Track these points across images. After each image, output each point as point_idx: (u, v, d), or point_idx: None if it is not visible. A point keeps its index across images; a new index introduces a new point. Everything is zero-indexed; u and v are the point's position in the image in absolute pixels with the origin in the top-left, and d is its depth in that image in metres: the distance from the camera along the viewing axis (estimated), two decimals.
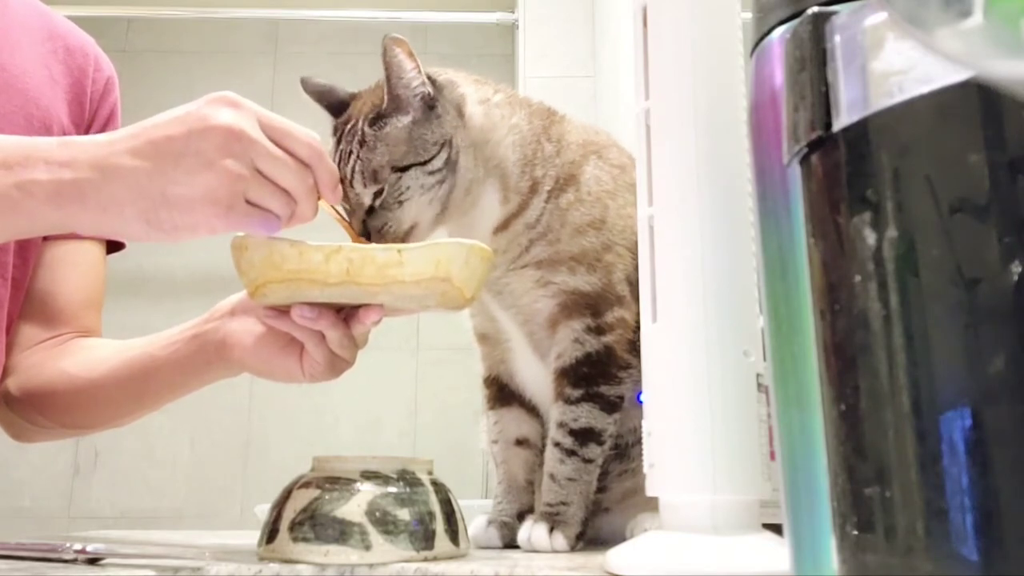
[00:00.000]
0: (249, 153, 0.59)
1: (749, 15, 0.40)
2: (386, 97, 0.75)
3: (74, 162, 0.60)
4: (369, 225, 0.74)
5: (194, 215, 0.59)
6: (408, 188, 0.74)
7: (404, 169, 0.74)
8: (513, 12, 2.18)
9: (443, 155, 0.75)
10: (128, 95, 0.99)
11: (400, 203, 0.74)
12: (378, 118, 0.75)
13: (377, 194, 0.74)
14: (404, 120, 0.75)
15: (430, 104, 0.76)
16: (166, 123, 0.60)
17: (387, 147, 0.74)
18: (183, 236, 0.61)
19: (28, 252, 0.88)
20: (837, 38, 0.31)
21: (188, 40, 2.47)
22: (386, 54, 0.74)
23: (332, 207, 0.69)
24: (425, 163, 0.74)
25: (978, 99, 0.27)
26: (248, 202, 0.60)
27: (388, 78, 0.74)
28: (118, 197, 0.59)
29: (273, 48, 2.50)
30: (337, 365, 0.71)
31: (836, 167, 0.31)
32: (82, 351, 0.88)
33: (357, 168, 0.74)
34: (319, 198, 0.65)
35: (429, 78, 0.77)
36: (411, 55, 0.74)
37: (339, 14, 2.33)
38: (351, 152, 0.75)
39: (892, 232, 0.28)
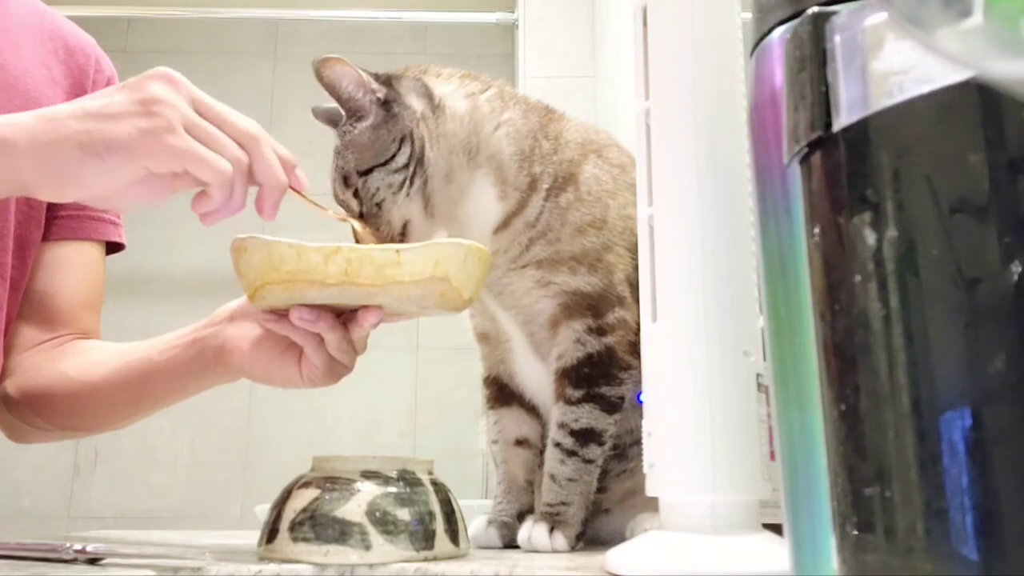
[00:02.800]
0: (184, 92, 0.62)
1: (749, 15, 0.40)
2: (341, 110, 0.78)
3: (15, 118, 0.62)
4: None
5: (127, 126, 0.59)
6: (378, 189, 0.76)
7: (368, 172, 0.76)
8: (513, 12, 2.17)
9: (405, 151, 0.76)
10: None
11: (378, 205, 0.76)
12: (342, 127, 0.78)
13: (358, 199, 0.76)
14: (363, 125, 0.77)
15: (386, 106, 0.78)
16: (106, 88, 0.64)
17: (352, 153, 0.77)
18: (119, 163, 0.60)
19: (26, 252, 0.88)
20: (837, 38, 0.31)
21: (188, 40, 2.47)
22: (320, 77, 0.76)
23: (302, 194, 0.68)
24: (386, 163, 0.76)
25: (978, 99, 0.27)
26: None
27: (331, 96, 0.77)
28: (51, 128, 0.60)
29: (273, 48, 2.50)
30: (336, 370, 0.71)
31: (836, 167, 0.31)
32: (81, 353, 0.88)
33: (335, 176, 0.78)
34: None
35: (386, 79, 0.79)
36: (346, 68, 0.76)
37: (339, 14, 2.32)
38: (333, 162, 0.78)
39: (892, 232, 0.28)
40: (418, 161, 0.76)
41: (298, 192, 0.67)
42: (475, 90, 0.83)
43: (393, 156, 0.76)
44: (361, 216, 0.76)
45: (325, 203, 0.74)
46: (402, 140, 0.76)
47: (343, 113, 0.78)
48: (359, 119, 0.77)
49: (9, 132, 0.60)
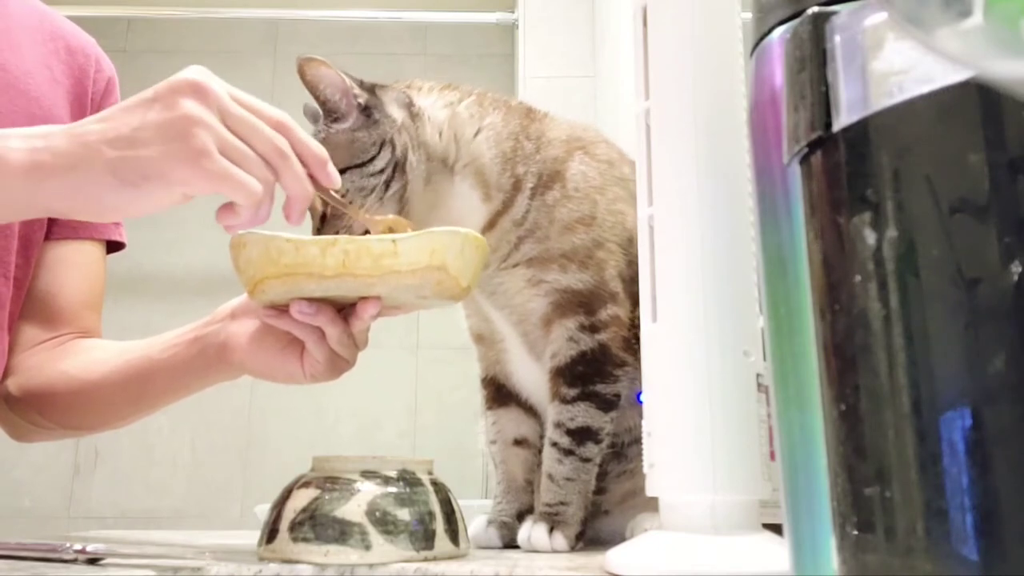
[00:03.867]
0: (213, 104, 0.60)
1: (749, 15, 0.40)
2: (320, 110, 0.78)
3: (49, 135, 0.61)
4: (323, 232, 0.75)
5: (162, 158, 0.58)
6: (347, 191, 0.75)
7: (341, 172, 0.75)
8: (513, 12, 2.17)
9: (384, 156, 0.77)
10: (128, 95, 0.99)
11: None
12: (319, 126, 0.79)
13: (324, 200, 0.76)
14: (340, 127, 0.78)
15: (366, 112, 0.78)
16: (135, 100, 0.61)
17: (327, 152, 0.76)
18: (154, 190, 0.59)
19: (30, 251, 0.88)
20: (837, 38, 0.31)
21: (188, 40, 2.47)
22: (302, 76, 0.77)
23: (331, 193, 0.68)
24: (363, 165, 0.76)
25: (978, 99, 0.27)
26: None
27: (312, 95, 0.78)
28: (86, 149, 0.59)
29: (273, 48, 2.50)
30: (338, 365, 0.71)
31: (836, 167, 0.31)
32: (82, 352, 0.88)
33: None
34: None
35: (370, 87, 0.80)
36: (327, 70, 0.77)
37: (339, 14, 2.32)
38: None
39: (892, 232, 0.28)
40: (397, 167, 0.77)
41: (326, 190, 0.66)
42: (453, 99, 0.84)
43: (372, 159, 0.76)
44: (324, 218, 0.76)
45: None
46: (382, 145, 0.77)
47: (321, 113, 0.79)
48: (336, 120, 0.78)
49: (45, 158, 0.59)
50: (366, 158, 0.76)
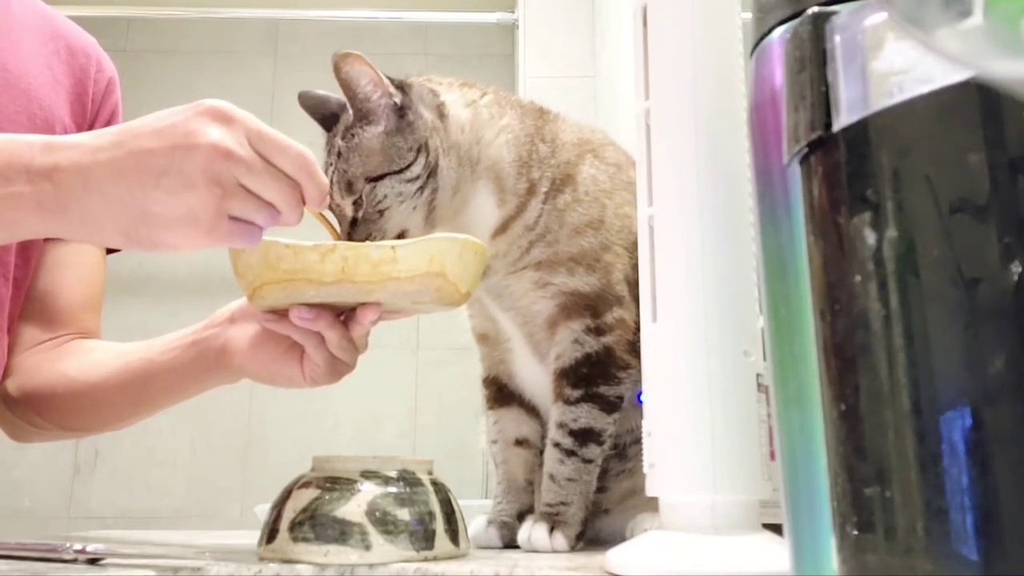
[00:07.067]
0: (234, 171, 0.56)
1: (749, 15, 0.40)
2: (351, 111, 0.75)
3: (55, 172, 0.57)
4: (353, 238, 0.74)
5: (174, 234, 0.57)
6: (385, 197, 0.74)
7: (378, 179, 0.74)
8: (513, 12, 2.18)
9: (421, 160, 0.75)
10: (128, 95, 0.99)
11: (380, 213, 0.74)
12: (348, 130, 0.75)
13: (356, 205, 0.74)
14: (375, 130, 0.75)
15: (400, 113, 0.76)
16: (150, 133, 0.57)
17: (360, 158, 0.74)
18: (164, 251, 0.60)
19: (30, 253, 0.88)
20: (837, 38, 0.31)
21: (188, 40, 2.47)
22: (338, 72, 0.74)
23: (322, 217, 0.68)
24: (401, 171, 0.74)
25: (978, 99, 0.27)
26: (231, 217, 0.58)
27: (346, 94, 0.75)
28: (98, 212, 0.57)
29: (273, 48, 2.50)
30: (338, 368, 0.71)
31: (836, 167, 0.31)
32: (81, 353, 0.88)
33: (334, 179, 0.74)
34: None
35: (399, 84, 0.77)
36: (366, 67, 0.74)
37: (339, 14, 2.32)
38: (330, 164, 0.75)
39: (892, 232, 0.28)
40: (431, 172, 0.75)
41: (318, 215, 0.65)
42: (475, 97, 0.83)
43: (409, 165, 0.74)
44: (354, 222, 0.75)
45: None
46: (419, 149, 0.75)
47: (351, 112, 0.76)
48: (370, 123, 0.75)
49: (52, 207, 0.57)
50: (404, 164, 0.74)
